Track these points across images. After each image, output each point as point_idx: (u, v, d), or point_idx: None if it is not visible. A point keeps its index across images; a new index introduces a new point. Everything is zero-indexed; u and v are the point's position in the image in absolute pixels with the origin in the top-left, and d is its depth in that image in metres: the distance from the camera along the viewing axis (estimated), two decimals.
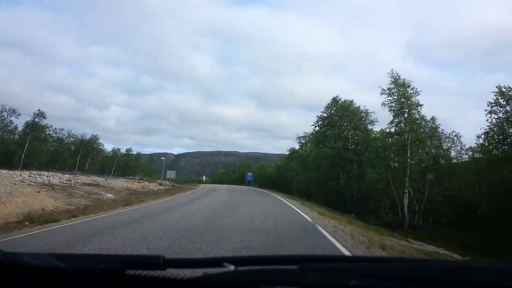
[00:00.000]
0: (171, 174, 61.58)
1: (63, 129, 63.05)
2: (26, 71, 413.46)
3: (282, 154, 69.22)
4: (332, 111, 35.62)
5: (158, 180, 47.81)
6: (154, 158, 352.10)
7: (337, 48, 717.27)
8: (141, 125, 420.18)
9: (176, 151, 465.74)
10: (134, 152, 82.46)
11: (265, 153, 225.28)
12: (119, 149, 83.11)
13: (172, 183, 45.02)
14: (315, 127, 37.58)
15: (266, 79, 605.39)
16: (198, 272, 1.10)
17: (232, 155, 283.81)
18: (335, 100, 35.89)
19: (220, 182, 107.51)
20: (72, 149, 63.18)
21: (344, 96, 41.92)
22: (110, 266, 1.17)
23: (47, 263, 1.15)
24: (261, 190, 42.61)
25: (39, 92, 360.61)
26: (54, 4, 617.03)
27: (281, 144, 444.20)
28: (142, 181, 36.74)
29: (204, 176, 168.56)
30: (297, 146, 53.53)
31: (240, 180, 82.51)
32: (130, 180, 34.07)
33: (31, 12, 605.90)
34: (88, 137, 66.57)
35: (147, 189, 26.40)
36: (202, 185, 58.32)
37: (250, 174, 76.40)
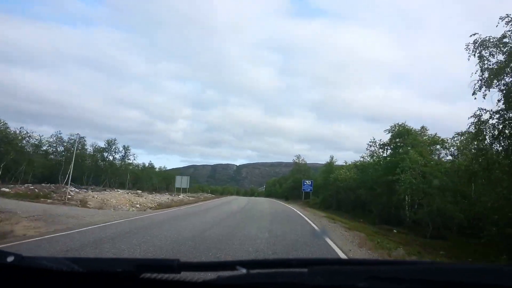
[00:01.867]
0: (182, 182, 40.51)
1: None
2: (101, 88, 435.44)
3: (343, 165, 45.47)
4: None
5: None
6: (216, 169, 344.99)
7: (397, 57, 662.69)
8: (206, 137, 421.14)
9: (239, 162, 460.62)
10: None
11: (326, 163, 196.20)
12: (96, 144, 57.67)
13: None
14: None
15: (325, 91, 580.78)
16: (212, 275, 1.12)
17: (292, 165, 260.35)
18: None
19: (270, 193, 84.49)
20: None
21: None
22: (126, 269, 1.17)
23: (64, 267, 1.15)
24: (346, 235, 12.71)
25: (114, 107, 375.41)
26: (125, 24, 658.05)
27: (342, 156, 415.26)
28: None
29: (264, 186, 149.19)
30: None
31: (294, 190, 58.25)
32: None
33: (105, 32, 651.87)
34: None
35: None
36: (227, 198, 38.09)
37: (308, 182, 52.29)
